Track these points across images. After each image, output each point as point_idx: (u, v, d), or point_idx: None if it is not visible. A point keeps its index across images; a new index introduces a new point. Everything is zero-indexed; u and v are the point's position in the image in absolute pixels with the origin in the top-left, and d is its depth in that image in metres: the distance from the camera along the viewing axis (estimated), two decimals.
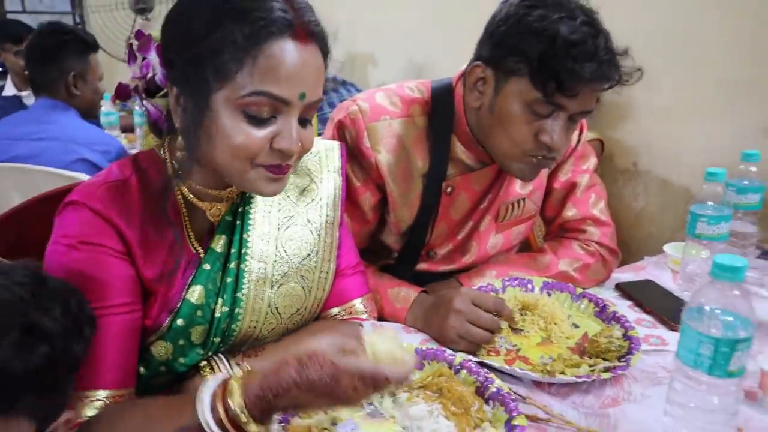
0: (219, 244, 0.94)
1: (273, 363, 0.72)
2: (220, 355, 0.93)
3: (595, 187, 1.37)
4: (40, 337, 0.66)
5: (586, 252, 1.32)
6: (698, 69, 1.79)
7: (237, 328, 0.93)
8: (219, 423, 0.70)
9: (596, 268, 1.32)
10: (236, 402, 0.70)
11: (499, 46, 1.08)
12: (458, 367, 0.94)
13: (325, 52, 0.84)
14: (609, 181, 2.04)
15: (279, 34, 0.77)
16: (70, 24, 2.73)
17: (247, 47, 0.76)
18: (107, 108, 2.81)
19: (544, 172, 1.34)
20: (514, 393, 0.90)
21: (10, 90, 3.04)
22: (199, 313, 0.91)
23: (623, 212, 2.04)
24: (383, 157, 1.20)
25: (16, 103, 2.88)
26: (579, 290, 1.21)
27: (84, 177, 1.64)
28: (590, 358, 1.02)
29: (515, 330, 1.11)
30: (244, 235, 0.95)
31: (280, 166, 0.83)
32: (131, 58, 0.88)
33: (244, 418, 0.70)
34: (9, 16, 4.14)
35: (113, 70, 2.76)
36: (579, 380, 0.94)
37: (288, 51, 0.78)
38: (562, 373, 0.96)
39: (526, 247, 1.57)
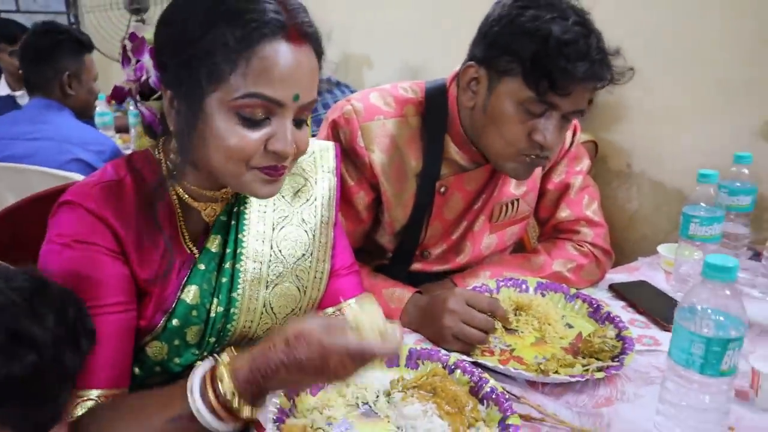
0: (214, 244, 0.94)
1: (260, 345, 0.72)
2: (215, 355, 0.93)
3: (588, 188, 1.38)
4: (27, 345, 0.63)
5: (580, 253, 1.33)
6: (691, 71, 1.80)
7: (232, 328, 0.93)
8: (211, 409, 0.70)
9: (590, 268, 1.33)
10: (227, 387, 0.70)
11: (492, 46, 1.09)
12: (452, 367, 0.94)
13: (319, 53, 0.84)
14: (603, 182, 2.05)
15: (272, 36, 0.77)
16: (64, 24, 2.72)
17: (240, 49, 0.76)
18: (102, 108, 2.80)
19: (538, 174, 1.35)
20: (508, 393, 0.90)
21: (3, 90, 3.03)
22: (194, 313, 0.91)
23: (617, 214, 2.05)
24: (377, 156, 1.20)
25: (10, 103, 2.86)
26: (573, 291, 1.22)
27: (78, 177, 1.64)
28: (584, 358, 1.02)
29: (509, 330, 1.11)
30: (239, 235, 0.95)
31: (275, 167, 0.83)
32: (125, 60, 0.88)
33: (235, 403, 0.70)
34: (2, 15, 4.13)
35: (108, 70, 2.76)
36: (572, 380, 0.94)
37: (281, 52, 0.78)
38: (556, 372, 0.96)
39: (520, 248, 1.58)
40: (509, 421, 0.82)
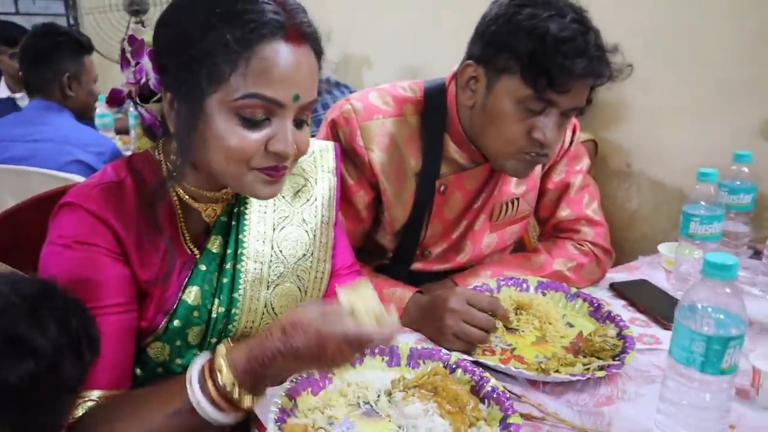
0: (215, 244, 0.94)
1: (257, 335, 0.73)
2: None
3: (588, 187, 1.38)
4: (25, 351, 0.61)
5: (580, 252, 1.33)
6: (691, 70, 1.80)
7: (234, 329, 0.94)
8: (211, 401, 0.70)
9: (590, 267, 1.33)
10: (226, 379, 0.71)
11: (490, 45, 1.10)
12: (453, 366, 0.94)
13: (318, 53, 0.84)
14: (603, 181, 2.05)
15: (271, 36, 0.77)
16: (64, 26, 2.72)
17: (239, 50, 0.76)
18: (102, 110, 2.80)
19: (538, 173, 1.36)
20: (509, 392, 0.90)
21: (3, 92, 3.03)
22: (195, 313, 0.91)
23: (617, 213, 2.05)
24: (376, 155, 1.21)
25: (10, 105, 2.86)
26: (573, 290, 1.22)
27: (78, 178, 1.64)
28: (585, 357, 1.02)
29: (510, 329, 1.11)
30: (240, 236, 0.95)
31: (276, 168, 0.83)
32: (124, 63, 0.88)
33: (235, 393, 0.70)
34: (2, 17, 4.13)
35: (108, 71, 2.76)
36: (573, 379, 0.94)
37: (281, 53, 0.78)
38: (557, 371, 0.96)
39: (520, 247, 1.58)
40: (510, 420, 0.82)
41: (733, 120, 1.72)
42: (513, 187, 1.32)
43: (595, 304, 1.17)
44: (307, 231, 1.00)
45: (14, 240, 1.11)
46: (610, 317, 1.12)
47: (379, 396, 0.89)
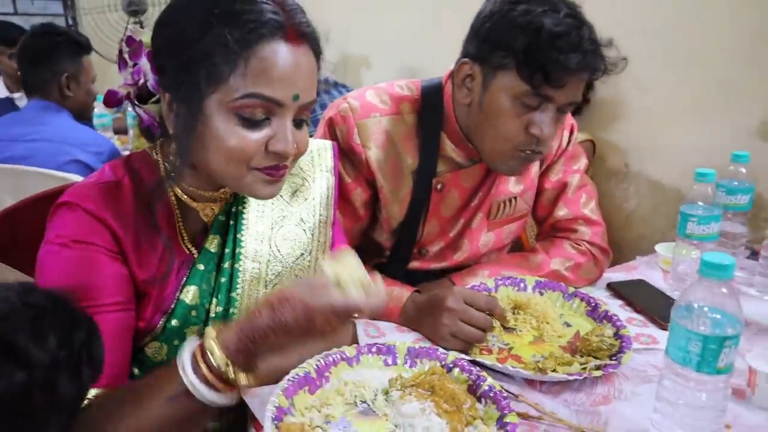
0: (213, 244, 0.94)
1: (246, 314, 0.73)
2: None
3: (585, 187, 1.38)
4: (19, 361, 0.59)
5: (578, 251, 1.33)
6: (689, 71, 1.81)
7: None
8: (206, 382, 0.71)
9: (588, 267, 1.33)
10: (219, 360, 0.71)
11: (486, 42, 1.10)
12: (451, 365, 0.94)
13: (317, 52, 0.85)
14: (601, 181, 2.05)
15: (270, 36, 0.78)
16: (62, 26, 2.72)
17: (239, 50, 0.76)
18: (100, 110, 2.80)
19: (535, 172, 1.36)
20: (506, 391, 0.90)
21: (1, 92, 3.03)
22: (193, 313, 0.91)
23: (615, 213, 2.05)
24: (373, 153, 1.21)
25: (8, 105, 2.86)
26: (571, 289, 1.22)
27: (77, 178, 1.64)
28: (582, 356, 1.02)
29: (507, 329, 1.11)
30: (238, 235, 0.95)
31: (277, 167, 0.83)
32: (121, 64, 0.87)
33: (230, 373, 0.71)
34: (0, 18, 4.12)
35: (106, 71, 2.75)
36: (570, 378, 0.94)
37: (280, 52, 0.78)
38: (554, 371, 0.96)
39: (518, 247, 1.58)
40: (507, 419, 0.82)
41: (731, 120, 1.73)
42: (510, 185, 1.32)
43: (593, 304, 1.17)
44: (305, 230, 1.01)
45: (12, 239, 1.11)
46: (607, 317, 1.12)
47: (376, 395, 0.89)
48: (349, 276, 0.73)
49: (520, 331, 1.11)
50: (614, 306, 1.23)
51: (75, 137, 1.90)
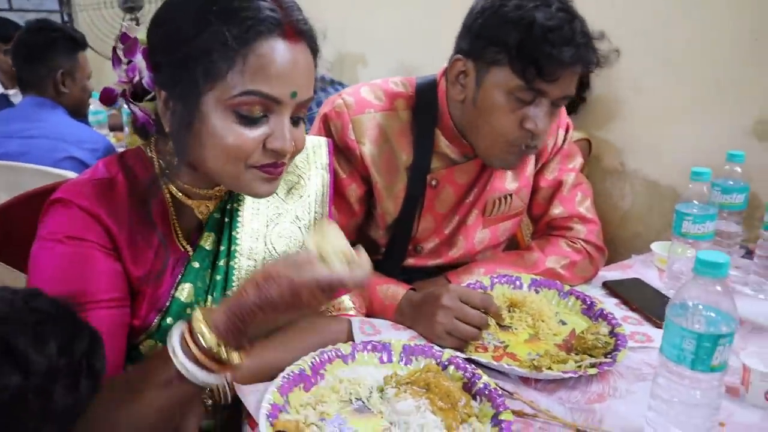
0: (208, 241, 0.94)
1: (233, 294, 0.73)
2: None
3: (581, 185, 1.39)
4: (16, 365, 0.57)
5: (573, 249, 1.33)
6: (685, 70, 1.81)
7: None
8: (198, 363, 0.71)
9: (583, 265, 1.33)
10: (210, 341, 0.71)
11: (478, 38, 1.11)
12: (446, 363, 0.95)
13: (314, 50, 0.84)
14: (596, 180, 2.06)
15: (268, 33, 0.78)
16: (58, 22, 2.71)
17: (237, 47, 0.76)
18: (96, 107, 2.79)
19: (531, 170, 1.36)
20: (501, 389, 0.90)
21: None
22: (188, 311, 0.91)
23: (611, 212, 2.06)
24: (367, 149, 1.21)
25: (3, 101, 2.85)
26: (567, 287, 1.22)
27: (72, 175, 1.63)
28: (577, 354, 1.03)
29: (503, 327, 1.11)
30: (233, 233, 0.95)
31: (275, 165, 0.83)
32: (116, 61, 0.87)
33: (223, 353, 0.71)
34: None
35: (102, 68, 2.74)
36: (565, 376, 0.94)
37: (278, 50, 0.78)
38: (549, 369, 0.96)
39: (514, 245, 1.58)
40: (502, 417, 0.82)
41: (726, 120, 1.73)
42: (506, 183, 1.33)
43: (588, 302, 1.17)
44: (300, 228, 1.01)
45: (6, 236, 1.11)
46: (602, 315, 1.12)
47: (371, 392, 0.89)
48: (332, 248, 0.72)
49: (515, 329, 1.11)
50: (609, 304, 1.23)
51: (71, 134, 1.89)
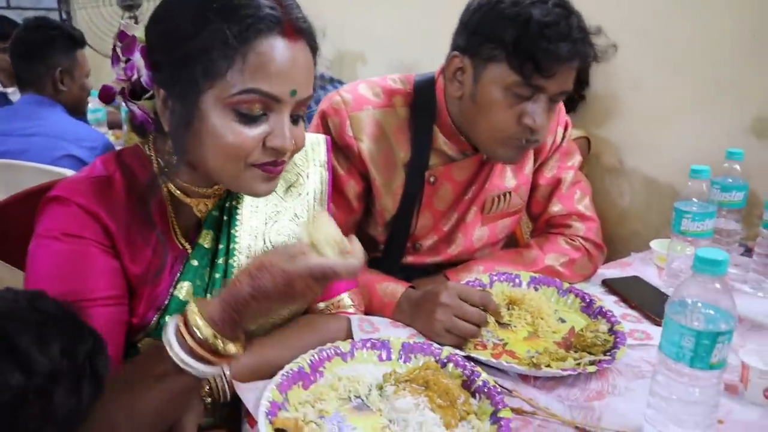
0: (206, 239, 0.94)
1: (227, 286, 0.73)
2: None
3: (579, 183, 1.39)
4: (19, 364, 0.57)
5: (572, 247, 1.33)
6: (684, 68, 1.81)
7: None
8: (194, 355, 0.70)
9: (582, 262, 1.33)
10: (207, 333, 0.71)
11: (475, 35, 1.11)
12: (445, 360, 0.95)
13: (314, 48, 0.84)
14: (595, 178, 2.06)
15: (268, 31, 0.77)
16: (56, 20, 2.70)
17: (237, 45, 0.76)
18: (95, 104, 2.79)
19: (530, 168, 1.36)
20: (500, 386, 0.90)
21: None
22: None
23: (609, 209, 2.05)
24: (365, 145, 1.22)
25: (2, 99, 2.84)
26: (566, 285, 1.22)
27: (71, 173, 1.62)
28: (576, 352, 1.03)
29: (502, 324, 1.11)
30: (232, 231, 0.95)
31: (275, 163, 0.83)
32: (114, 60, 0.86)
33: (220, 344, 0.71)
34: None
35: (101, 66, 2.74)
36: (564, 374, 0.95)
37: (278, 48, 0.78)
38: (548, 366, 0.96)
39: (513, 243, 1.58)
40: (501, 414, 0.82)
41: (725, 118, 1.73)
42: (504, 180, 1.33)
43: (587, 300, 1.17)
44: (299, 225, 1.00)
45: (4, 234, 1.10)
46: (601, 313, 1.12)
47: (370, 390, 0.89)
48: (324, 237, 0.72)
49: (514, 326, 1.11)
50: (609, 302, 1.23)
51: (70, 132, 1.89)
